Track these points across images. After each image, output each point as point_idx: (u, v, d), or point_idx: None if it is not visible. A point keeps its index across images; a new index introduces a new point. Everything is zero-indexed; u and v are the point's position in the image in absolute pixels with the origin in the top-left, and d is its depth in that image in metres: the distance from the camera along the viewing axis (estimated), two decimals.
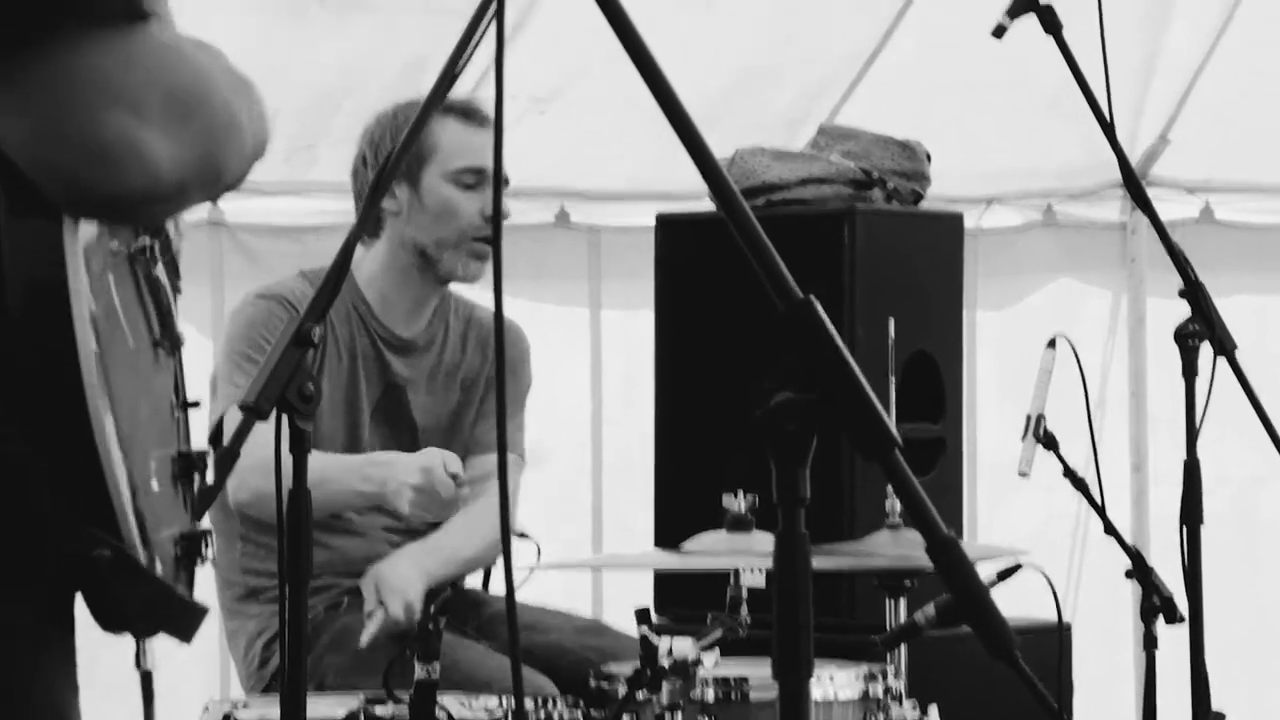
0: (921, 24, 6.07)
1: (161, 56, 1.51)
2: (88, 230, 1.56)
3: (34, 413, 1.52)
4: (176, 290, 1.78)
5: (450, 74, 2.78)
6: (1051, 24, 3.68)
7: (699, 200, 5.15)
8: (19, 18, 1.46)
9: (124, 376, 1.61)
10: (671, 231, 4.96)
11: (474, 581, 4.23)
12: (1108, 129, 3.69)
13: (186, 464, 1.74)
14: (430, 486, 3.75)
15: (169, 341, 1.74)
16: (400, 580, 3.84)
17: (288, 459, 2.72)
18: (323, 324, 2.74)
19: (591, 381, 6.06)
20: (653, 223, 5.02)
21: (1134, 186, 3.80)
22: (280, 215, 5.51)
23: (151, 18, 1.51)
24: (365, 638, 3.78)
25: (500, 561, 3.01)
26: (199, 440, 1.83)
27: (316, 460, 2.95)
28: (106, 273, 1.62)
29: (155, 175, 1.50)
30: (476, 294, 4.26)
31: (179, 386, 1.79)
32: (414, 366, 4.12)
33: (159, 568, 1.61)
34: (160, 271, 1.72)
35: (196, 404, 1.81)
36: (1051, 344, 3.91)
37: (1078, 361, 3.85)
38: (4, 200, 1.52)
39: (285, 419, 2.72)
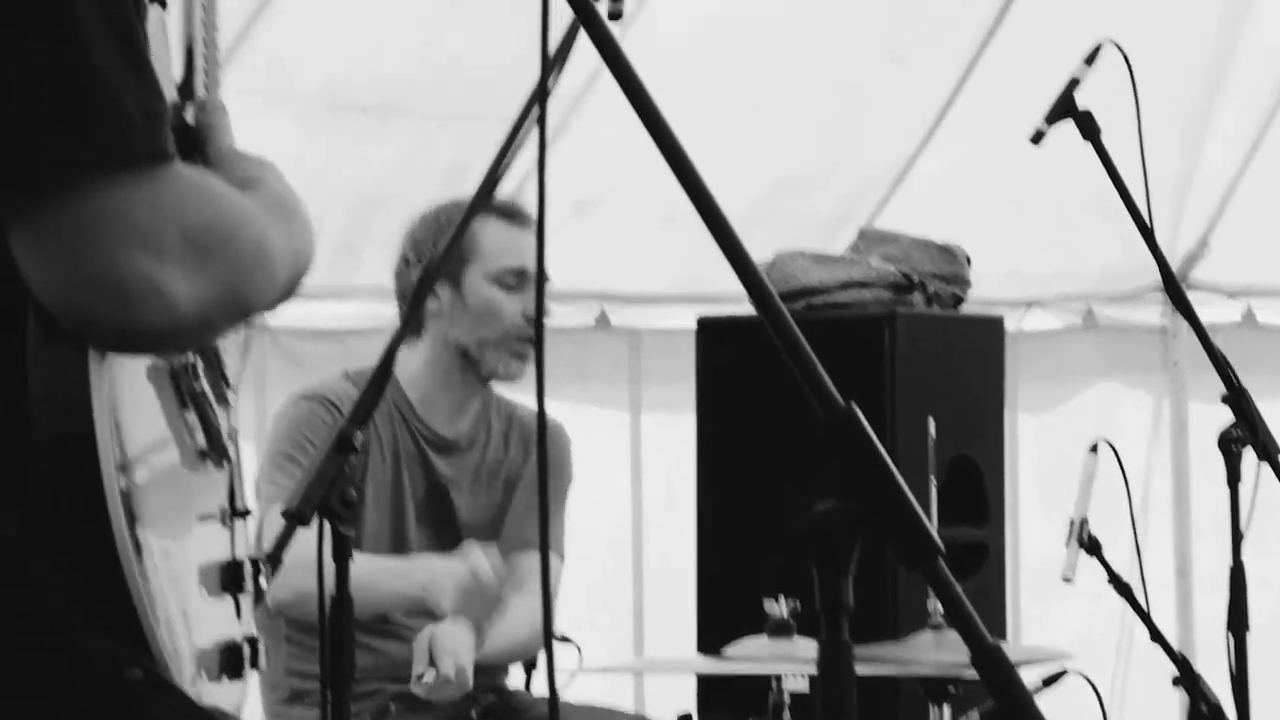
0: (961, 128, 6.09)
1: (184, 197, 1.52)
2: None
3: (60, 535, 1.53)
4: (224, 401, 1.78)
5: (494, 177, 2.80)
6: (1089, 130, 3.68)
7: (740, 303, 5.13)
8: (41, 161, 1.48)
9: (163, 491, 1.62)
10: (712, 335, 4.97)
11: (517, 682, 4.21)
12: (1147, 233, 3.69)
13: (237, 572, 1.74)
14: (475, 586, 3.75)
15: (216, 453, 1.75)
16: (454, 643, 3.81)
17: (329, 563, 2.72)
18: (365, 428, 2.75)
19: (632, 484, 6.06)
20: (693, 326, 5.03)
21: (1174, 290, 3.79)
22: (323, 319, 5.52)
23: (174, 157, 1.53)
24: (424, 691, 3.75)
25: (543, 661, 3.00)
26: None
27: (360, 563, 2.95)
28: (148, 389, 1.63)
29: (175, 313, 1.51)
30: (518, 393, 4.27)
31: (233, 495, 1.79)
32: (457, 466, 4.12)
33: (203, 675, 1.61)
34: (204, 386, 1.73)
35: (249, 513, 1.82)
36: (1094, 449, 3.89)
37: (1120, 466, 3.84)
38: (35, 330, 1.54)
39: (327, 524, 2.72)
